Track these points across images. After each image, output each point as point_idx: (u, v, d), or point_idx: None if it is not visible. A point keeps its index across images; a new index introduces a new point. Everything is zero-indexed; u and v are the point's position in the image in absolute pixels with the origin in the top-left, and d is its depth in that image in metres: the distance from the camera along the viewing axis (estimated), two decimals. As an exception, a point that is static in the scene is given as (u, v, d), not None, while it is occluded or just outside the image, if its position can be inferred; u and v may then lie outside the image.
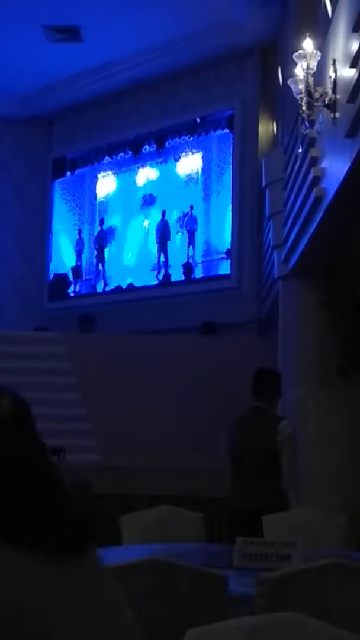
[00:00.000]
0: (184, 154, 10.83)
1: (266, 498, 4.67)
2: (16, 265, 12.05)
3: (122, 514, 4.40)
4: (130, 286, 11.10)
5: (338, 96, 4.22)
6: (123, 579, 2.76)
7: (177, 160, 10.91)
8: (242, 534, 3.76)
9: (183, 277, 10.53)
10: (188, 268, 10.49)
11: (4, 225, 12.09)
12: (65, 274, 11.90)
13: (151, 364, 8.12)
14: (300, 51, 4.42)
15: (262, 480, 4.77)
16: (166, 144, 11.03)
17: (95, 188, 11.81)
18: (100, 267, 11.57)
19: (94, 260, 11.63)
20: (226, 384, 7.88)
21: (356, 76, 3.69)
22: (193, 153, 10.73)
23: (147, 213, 11.13)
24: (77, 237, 11.88)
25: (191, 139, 10.76)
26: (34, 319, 11.27)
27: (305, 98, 4.31)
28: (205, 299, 10.01)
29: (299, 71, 4.40)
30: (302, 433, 6.40)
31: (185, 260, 10.56)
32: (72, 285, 11.84)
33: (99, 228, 11.66)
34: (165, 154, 11.05)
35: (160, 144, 11.08)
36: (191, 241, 10.58)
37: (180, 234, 10.72)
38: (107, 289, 11.43)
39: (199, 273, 10.46)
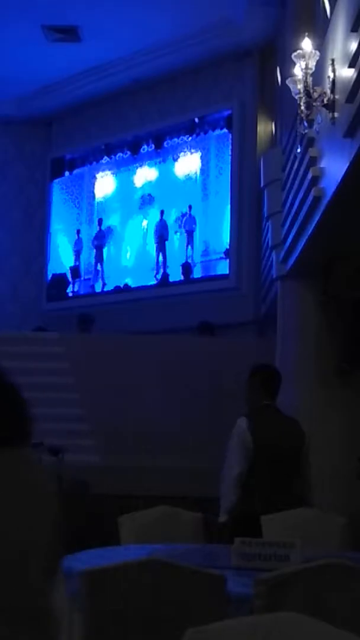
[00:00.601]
0: (182, 153, 10.83)
1: (292, 499, 4.70)
2: (15, 265, 12.05)
3: (121, 514, 4.40)
4: (129, 286, 11.09)
5: (337, 96, 4.21)
6: (121, 579, 2.76)
7: (175, 160, 10.91)
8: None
9: (182, 277, 10.53)
10: (187, 268, 10.49)
11: (3, 225, 12.09)
12: (64, 274, 11.90)
13: (150, 364, 8.11)
14: (298, 51, 4.42)
15: (288, 481, 4.79)
16: (165, 144, 11.03)
17: (93, 188, 11.81)
18: (98, 267, 11.57)
19: (93, 261, 11.63)
20: (225, 385, 7.87)
21: (355, 76, 3.69)
22: (191, 153, 10.73)
23: (146, 213, 11.13)
24: (76, 237, 11.88)
25: (190, 138, 10.76)
26: (32, 319, 11.27)
27: (303, 98, 4.31)
28: (204, 299, 10.01)
29: (298, 71, 4.39)
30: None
31: (184, 260, 10.56)
32: (71, 286, 11.84)
33: (98, 228, 11.65)
34: (163, 154, 11.05)
35: (159, 144, 11.08)
36: (190, 241, 10.58)
37: (178, 234, 10.72)
38: (105, 289, 11.43)
39: (197, 273, 10.46)
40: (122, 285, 11.18)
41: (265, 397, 4.98)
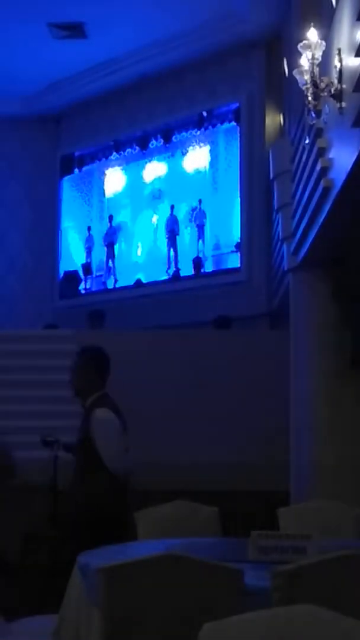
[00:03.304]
0: (191, 148, 10.82)
1: None
2: (26, 263, 12.09)
3: (137, 510, 4.41)
4: (141, 282, 11.10)
5: (344, 86, 4.18)
6: (139, 574, 2.77)
7: (184, 154, 10.89)
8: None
9: (193, 272, 10.52)
10: (198, 263, 10.48)
11: (14, 224, 12.11)
12: (76, 271, 11.92)
13: (162, 360, 8.11)
14: (304, 41, 4.39)
15: None
16: (173, 139, 11.02)
17: (103, 184, 11.81)
18: (110, 263, 11.58)
19: (104, 257, 11.64)
20: (238, 379, 7.87)
21: (362, 65, 3.66)
22: (200, 147, 10.72)
23: (156, 208, 11.12)
24: (87, 234, 11.89)
25: (198, 132, 10.74)
26: (45, 317, 11.30)
27: (310, 88, 4.28)
28: (215, 293, 10.00)
29: (304, 62, 4.37)
30: (314, 426, 6.40)
31: (195, 255, 10.55)
32: (83, 283, 11.86)
33: (108, 225, 11.66)
34: (172, 149, 11.04)
35: (168, 139, 11.07)
36: (200, 235, 10.57)
37: (189, 228, 10.71)
38: (117, 285, 11.44)
39: (209, 267, 10.45)
40: (133, 282, 11.18)
41: (98, 387, 4.77)
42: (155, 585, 2.75)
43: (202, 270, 10.47)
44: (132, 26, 9.77)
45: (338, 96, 4.21)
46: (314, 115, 4.44)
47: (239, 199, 10.07)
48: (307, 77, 4.32)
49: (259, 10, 9.11)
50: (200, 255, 10.51)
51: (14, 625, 3.67)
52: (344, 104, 4.19)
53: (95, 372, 4.78)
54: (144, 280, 11.07)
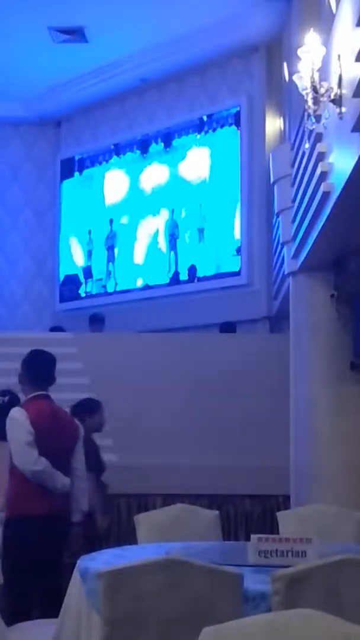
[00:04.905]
0: (191, 151, 10.83)
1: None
2: (27, 266, 12.10)
3: (138, 513, 4.42)
4: (141, 285, 11.11)
5: (344, 91, 4.20)
6: (139, 578, 2.77)
7: (184, 158, 10.91)
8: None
9: (187, 278, 10.56)
10: (192, 272, 10.49)
11: (14, 227, 12.12)
12: (76, 275, 11.93)
13: (164, 363, 8.12)
14: (304, 46, 4.41)
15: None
16: (174, 142, 11.03)
17: (104, 188, 11.82)
18: (110, 266, 11.59)
19: (105, 261, 11.65)
20: (239, 382, 7.88)
21: (361, 70, 3.68)
22: (201, 150, 10.73)
23: (156, 212, 11.13)
24: (88, 237, 11.90)
25: (198, 136, 10.76)
26: (46, 320, 11.31)
27: (310, 93, 4.29)
28: (216, 296, 10.01)
29: (304, 67, 4.38)
30: (315, 429, 6.41)
31: (195, 258, 10.55)
32: (83, 286, 11.87)
33: (109, 228, 11.67)
34: (173, 152, 11.05)
35: (168, 143, 11.08)
36: (201, 239, 10.59)
37: (189, 232, 10.72)
38: (117, 288, 11.45)
39: (209, 271, 10.46)
40: (134, 285, 11.20)
41: (32, 389, 4.83)
42: (156, 589, 2.76)
43: (195, 278, 10.46)
44: (133, 30, 9.78)
45: (338, 101, 4.23)
46: (313, 120, 4.45)
47: (239, 203, 10.08)
48: (307, 82, 4.34)
49: (259, 14, 9.13)
50: (200, 259, 10.52)
51: (14, 630, 3.68)
52: (343, 109, 4.21)
53: (24, 379, 4.94)
54: (144, 284, 11.07)
